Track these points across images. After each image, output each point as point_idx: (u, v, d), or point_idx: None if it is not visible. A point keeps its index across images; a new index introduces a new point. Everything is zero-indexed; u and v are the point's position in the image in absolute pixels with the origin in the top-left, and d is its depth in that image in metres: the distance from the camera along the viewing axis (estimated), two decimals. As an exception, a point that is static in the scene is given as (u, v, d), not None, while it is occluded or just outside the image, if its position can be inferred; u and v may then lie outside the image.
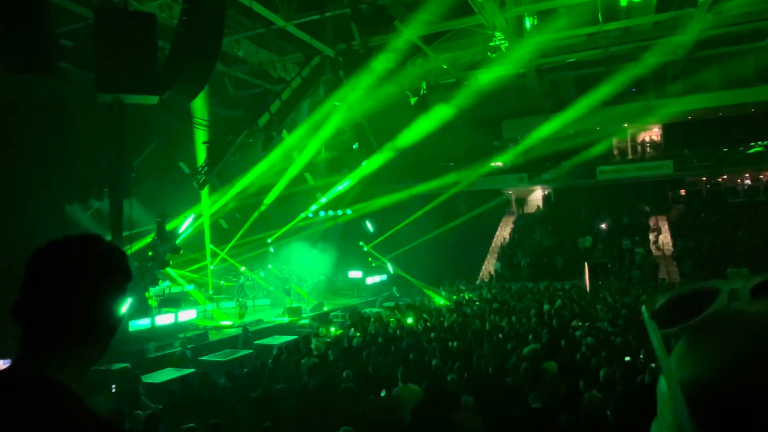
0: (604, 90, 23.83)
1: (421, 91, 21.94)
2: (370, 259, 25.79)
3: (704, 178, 29.71)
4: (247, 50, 18.86)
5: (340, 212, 26.59)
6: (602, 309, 14.10)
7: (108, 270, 1.17)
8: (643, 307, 0.68)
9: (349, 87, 18.87)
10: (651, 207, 28.58)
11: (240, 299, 18.84)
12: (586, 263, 21.68)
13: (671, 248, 25.33)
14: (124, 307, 1.21)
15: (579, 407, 5.89)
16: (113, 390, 9.67)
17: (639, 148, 30.73)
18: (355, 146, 23.44)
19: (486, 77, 22.06)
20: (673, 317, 0.65)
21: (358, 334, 12.72)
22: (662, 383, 0.62)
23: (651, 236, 26.22)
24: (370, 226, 27.68)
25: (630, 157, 30.46)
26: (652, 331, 0.64)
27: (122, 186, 13.62)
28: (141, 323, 13.77)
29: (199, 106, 17.65)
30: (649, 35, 20.69)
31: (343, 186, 25.23)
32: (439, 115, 22.91)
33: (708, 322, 0.62)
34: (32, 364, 1.07)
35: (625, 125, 29.18)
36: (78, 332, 1.11)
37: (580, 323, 11.94)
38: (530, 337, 10.35)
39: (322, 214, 26.24)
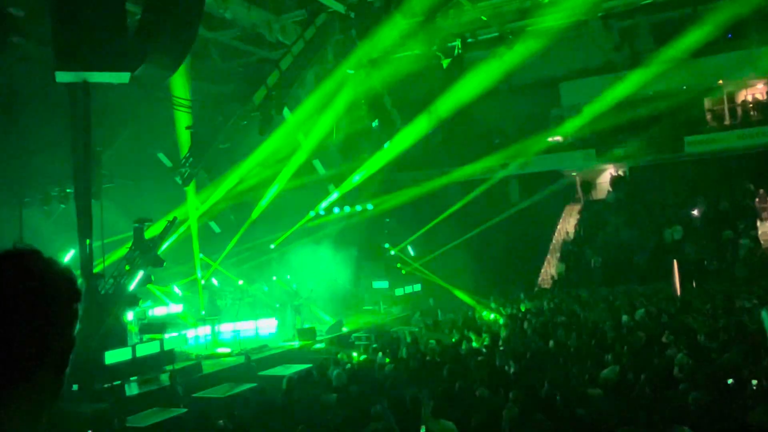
0: (692, 38, 23.40)
1: (456, 50, 21.81)
2: (399, 265, 25.80)
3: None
4: (237, 10, 19.00)
5: (359, 207, 26.67)
6: (698, 319, 13.88)
7: (52, 290, 1.18)
8: (763, 311, 0.68)
9: (365, 50, 18.87)
10: (758, 186, 27.96)
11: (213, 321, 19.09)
12: (675, 261, 21.38)
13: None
14: (74, 332, 1.22)
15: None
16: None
17: (739, 110, 30.04)
18: (374, 124, 23.46)
19: (538, 29, 21.84)
20: None
21: (388, 359, 12.78)
22: None
23: (759, 224, 25.70)
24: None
25: (728, 122, 29.83)
26: None
27: (90, 185, 13.90)
28: (119, 354, 14.02)
29: (180, 82, 17.86)
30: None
31: (361, 175, 25.28)
32: (479, 80, 22.76)
33: None
34: None
35: (720, 82, 28.62)
36: (21, 366, 1.11)
37: (671, 338, 11.80)
38: (608, 357, 10.28)
39: (336, 210, 26.35)
